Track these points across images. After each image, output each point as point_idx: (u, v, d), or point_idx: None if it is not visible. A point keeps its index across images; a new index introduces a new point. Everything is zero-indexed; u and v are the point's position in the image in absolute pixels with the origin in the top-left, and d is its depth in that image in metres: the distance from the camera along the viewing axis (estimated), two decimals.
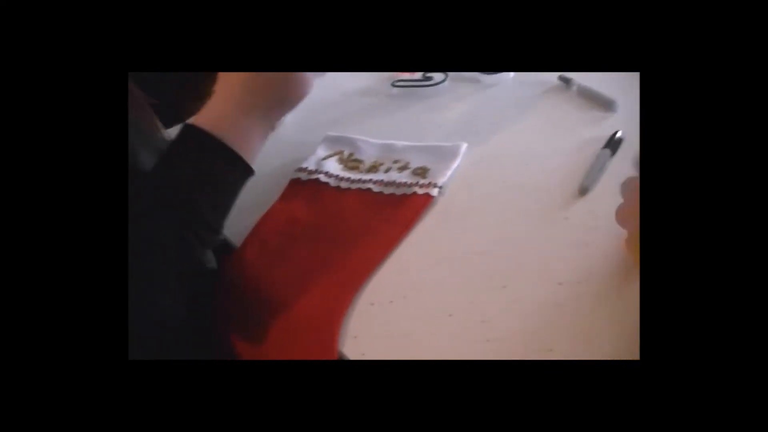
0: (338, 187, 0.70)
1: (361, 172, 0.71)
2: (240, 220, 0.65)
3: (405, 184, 0.67)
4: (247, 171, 0.55)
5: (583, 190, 0.62)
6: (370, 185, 0.69)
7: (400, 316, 0.54)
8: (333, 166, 0.73)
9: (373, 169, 0.71)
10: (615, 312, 0.49)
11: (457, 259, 0.58)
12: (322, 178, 0.71)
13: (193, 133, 0.52)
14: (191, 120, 0.53)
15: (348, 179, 0.70)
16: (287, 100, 0.59)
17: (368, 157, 0.74)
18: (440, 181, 0.66)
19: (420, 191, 0.66)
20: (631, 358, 0.40)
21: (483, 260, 0.57)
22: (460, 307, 0.53)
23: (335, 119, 0.83)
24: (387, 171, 0.70)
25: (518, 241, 0.58)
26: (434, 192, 0.65)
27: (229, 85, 0.54)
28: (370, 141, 0.76)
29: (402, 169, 0.70)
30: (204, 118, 0.53)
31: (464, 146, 0.71)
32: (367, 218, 0.64)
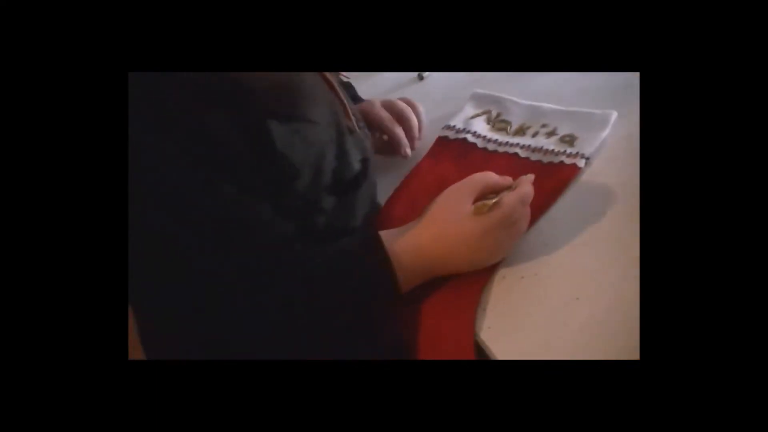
0: (485, 149, 0.68)
1: (509, 134, 0.69)
2: (386, 175, 0.65)
3: (552, 152, 0.65)
4: (392, 298, 0.53)
5: None
6: (517, 149, 0.67)
7: (529, 293, 0.54)
8: (481, 126, 0.71)
9: (520, 132, 0.69)
10: None
11: (595, 240, 0.56)
12: (470, 138, 0.70)
13: (377, 246, 0.52)
14: (384, 233, 0.53)
15: (495, 141, 0.69)
16: (464, 271, 0.57)
17: (516, 118, 0.71)
18: (588, 152, 0.63)
19: (567, 161, 0.63)
20: None
21: (620, 245, 0.54)
22: (589, 291, 0.52)
23: (481, 76, 0.79)
24: (534, 135, 0.68)
25: None
26: (581, 163, 0.62)
27: (430, 235, 0.53)
28: (518, 101, 0.73)
29: (550, 134, 0.67)
30: (398, 242, 0.53)
31: (614, 115, 0.67)
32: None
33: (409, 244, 0.53)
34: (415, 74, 0.87)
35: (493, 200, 0.53)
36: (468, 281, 0.55)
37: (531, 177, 0.56)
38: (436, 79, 0.81)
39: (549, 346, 0.49)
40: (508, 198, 0.53)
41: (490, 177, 0.56)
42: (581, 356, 0.47)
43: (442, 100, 0.76)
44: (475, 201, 0.54)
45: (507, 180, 0.57)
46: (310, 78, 0.57)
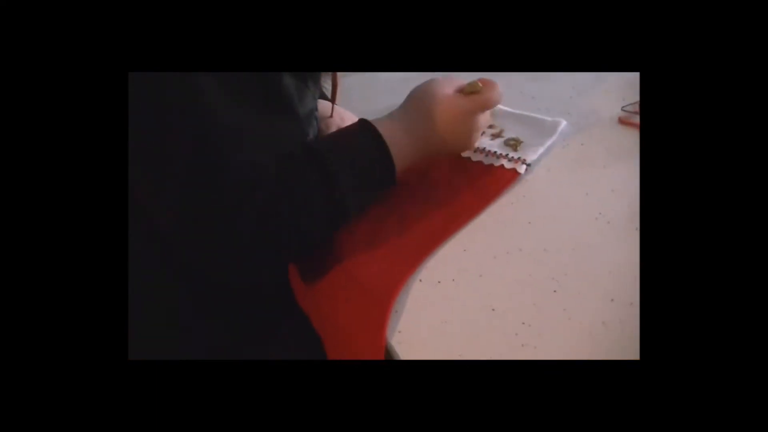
0: None
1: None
2: None
3: (494, 154, 0.64)
4: (391, 182, 0.56)
5: None
6: None
7: (444, 300, 0.52)
8: None
9: None
10: None
11: (517, 251, 0.55)
12: None
13: (371, 132, 0.55)
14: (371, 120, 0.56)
15: None
16: (446, 156, 0.61)
17: None
18: (530, 159, 0.63)
19: (508, 165, 0.63)
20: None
21: (543, 259, 0.54)
22: (505, 304, 0.51)
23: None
24: (481, 135, 0.67)
25: (581, 247, 0.55)
26: (521, 169, 0.62)
27: (413, 116, 0.57)
28: None
29: (495, 136, 0.67)
30: (381, 126, 0.55)
31: (563, 124, 0.67)
32: (452, 182, 0.63)
33: (395, 123, 0.56)
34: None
35: (480, 85, 0.58)
36: (383, 282, 0.54)
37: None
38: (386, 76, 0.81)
39: (461, 357, 0.47)
40: (490, 89, 0.58)
41: (458, 80, 0.60)
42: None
43: (391, 95, 0.72)
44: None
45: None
46: None
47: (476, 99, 0.57)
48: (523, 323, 0.49)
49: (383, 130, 0.54)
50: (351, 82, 0.82)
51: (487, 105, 0.58)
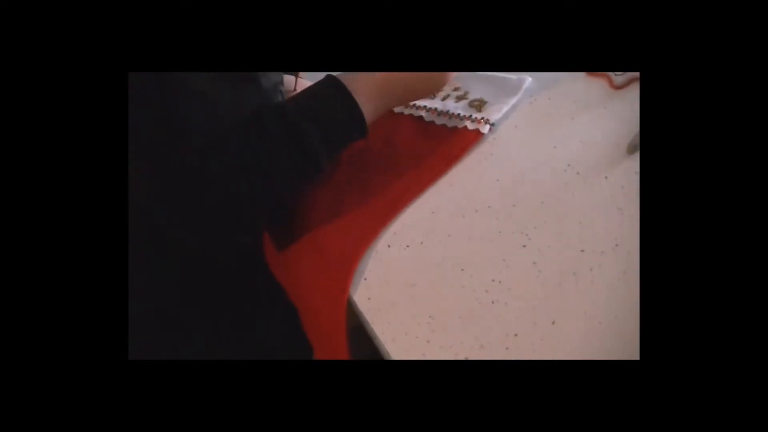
0: (391, 111, 0.68)
1: None
2: None
3: (458, 116, 0.65)
4: (363, 132, 0.56)
5: (632, 149, 0.55)
6: (422, 113, 0.67)
7: (413, 262, 0.53)
8: None
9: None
10: (632, 291, 0.45)
11: (484, 209, 0.55)
12: None
13: (333, 83, 0.55)
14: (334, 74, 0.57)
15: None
16: (420, 93, 0.60)
17: None
18: (494, 118, 0.63)
19: (471, 126, 0.63)
20: (629, 350, 0.39)
21: (511, 214, 0.54)
22: (474, 262, 0.51)
23: None
24: (444, 99, 0.68)
25: (550, 199, 0.54)
26: (485, 129, 0.62)
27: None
28: None
29: (460, 98, 0.68)
30: (345, 77, 0.55)
31: (528, 81, 0.67)
32: (415, 147, 0.63)
33: (358, 73, 0.56)
34: None
35: None
36: (345, 249, 0.54)
37: None
38: None
39: (432, 319, 0.48)
40: None
41: None
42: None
43: None
44: None
45: None
46: None
47: None
48: (493, 280, 0.49)
49: (347, 81, 0.55)
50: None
51: None
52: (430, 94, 0.62)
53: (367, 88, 0.55)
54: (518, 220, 0.53)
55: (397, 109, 0.69)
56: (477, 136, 0.62)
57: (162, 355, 0.59)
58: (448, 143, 0.62)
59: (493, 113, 0.64)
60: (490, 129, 0.63)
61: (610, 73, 0.65)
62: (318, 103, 0.54)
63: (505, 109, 0.65)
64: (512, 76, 0.68)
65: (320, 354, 0.59)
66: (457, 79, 0.71)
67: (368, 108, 0.55)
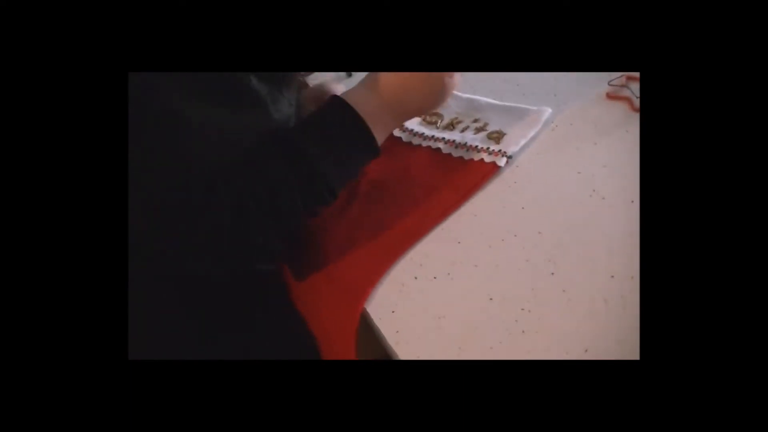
0: (410, 143, 0.68)
1: (437, 128, 0.69)
2: None
3: (475, 149, 0.64)
4: (374, 152, 0.56)
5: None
6: (440, 144, 0.67)
7: (441, 294, 0.52)
8: (412, 120, 0.70)
9: (450, 126, 0.69)
10: None
11: (511, 238, 0.55)
12: (396, 132, 0.69)
13: (339, 103, 0.54)
14: (340, 94, 0.56)
15: (421, 135, 0.69)
16: (427, 106, 0.59)
17: (449, 112, 0.71)
18: (511, 150, 0.63)
19: (487, 159, 0.63)
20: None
21: (538, 242, 0.54)
22: (502, 292, 0.51)
23: None
24: (463, 130, 0.68)
25: (577, 226, 0.54)
26: (501, 162, 0.62)
27: (380, 76, 0.56)
28: (456, 94, 0.73)
29: (479, 130, 0.67)
30: (351, 96, 0.55)
31: (548, 112, 0.67)
32: (429, 179, 0.63)
33: (364, 90, 0.56)
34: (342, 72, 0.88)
35: None
36: (357, 281, 0.54)
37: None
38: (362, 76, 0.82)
39: (461, 350, 0.48)
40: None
41: None
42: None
43: None
44: None
45: None
46: None
47: None
48: (522, 309, 0.49)
49: (353, 99, 0.54)
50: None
51: None
52: (437, 107, 0.61)
53: (374, 107, 0.55)
54: (545, 248, 0.53)
55: (415, 141, 0.69)
56: (493, 168, 0.62)
57: (162, 355, 0.59)
58: (463, 175, 0.62)
59: (511, 146, 0.64)
60: (507, 162, 0.63)
61: (631, 95, 0.65)
62: (326, 126, 0.53)
63: (523, 141, 0.64)
64: (532, 107, 0.68)
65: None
66: (476, 109, 0.71)
67: (378, 128, 0.55)
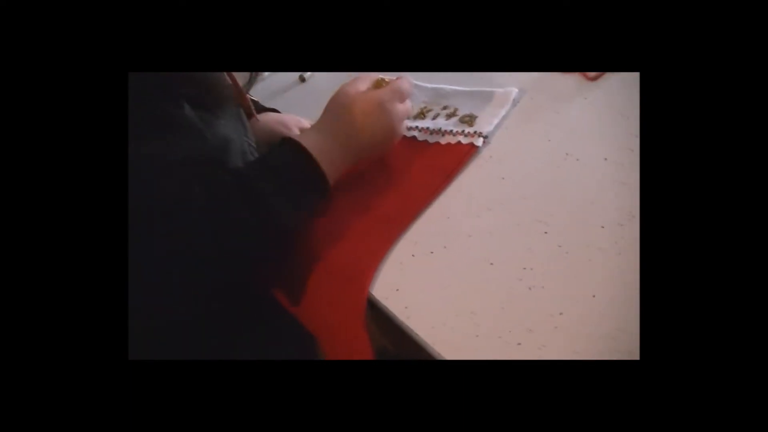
0: None
1: (409, 118, 0.70)
2: None
3: (450, 133, 0.66)
4: (326, 193, 0.57)
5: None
6: (414, 133, 0.68)
7: (441, 266, 0.54)
8: None
9: (421, 115, 0.71)
10: None
11: (497, 206, 0.57)
12: None
13: (293, 145, 0.56)
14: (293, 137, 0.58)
15: None
16: (378, 150, 0.61)
17: (416, 102, 0.72)
18: (486, 130, 0.64)
19: (464, 140, 0.64)
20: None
21: (525, 206, 0.56)
22: (501, 256, 0.53)
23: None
24: (435, 118, 0.69)
25: (559, 187, 0.57)
26: (479, 142, 0.63)
27: (333, 120, 0.58)
28: (420, 84, 0.74)
29: (450, 116, 0.68)
30: (304, 139, 0.57)
31: (515, 92, 0.68)
32: (410, 166, 0.64)
33: (317, 132, 0.58)
34: (296, 77, 0.93)
35: (388, 80, 0.61)
36: (356, 270, 0.55)
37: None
38: (318, 80, 0.86)
39: (474, 314, 0.49)
40: (399, 80, 0.61)
41: (373, 75, 0.62)
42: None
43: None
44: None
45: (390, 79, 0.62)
46: (221, 79, 0.63)
47: (387, 89, 0.59)
48: (524, 268, 0.51)
49: (307, 141, 0.56)
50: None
51: (397, 93, 0.59)
52: (388, 148, 0.62)
53: (326, 149, 0.56)
54: (533, 210, 0.55)
55: None
56: (471, 149, 0.63)
57: (162, 355, 0.59)
58: (444, 159, 0.63)
59: (485, 126, 0.65)
60: (483, 141, 0.64)
61: None
62: (280, 167, 0.54)
63: (496, 121, 0.66)
64: (498, 89, 0.69)
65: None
66: (443, 97, 0.72)
67: (331, 169, 0.56)
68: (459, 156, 0.63)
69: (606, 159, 0.57)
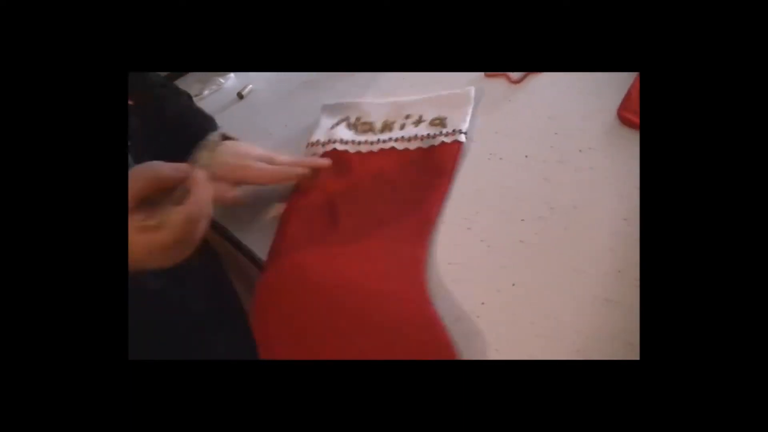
0: (359, 152, 0.67)
1: (377, 133, 0.68)
2: (268, 202, 0.67)
3: (428, 136, 0.65)
4: None
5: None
6: (392, 143, 0.66)
7: (440, 247, 0.57)
8: (345, 133, 0.69)
9: (387, 128, 0.69)
10: (580, 247, 0.52)
11: (503, 199, 0.59)
12: (339, 146, 0.68)
13: None
14: None
15: (366, 142, 0.68)
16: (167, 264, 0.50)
17: (377, 117, 0.71)
18: (463, 127, 0.64)
19: (447, 140, 0.63)
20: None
21: (528, 194, 0.58)
22: (493, 239, 0.56)
23: (305, 81, 0.87)
24: (402, 127, 0.68)
25: (482, 187, 0.61)
26: (462, 138, 0.63)
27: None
28: (374, 102, 0.73)
29: (417, 123, 0.68)
30: None
31: (473, 90, 0.68)
32: (407, 174, 0.63)
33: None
34: (234, 94, 0.92)
35: (153, 223, 0.46)
36: (408, 290, 0.52)
37: (202, 177, 0.49)
38: (256, 96, 0.88)
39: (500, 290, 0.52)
40: (174, 218, 0.46)
41: (159, 170, 0.48)
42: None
43: (290, 125, 0.81)
44: (150, 197, 0.47)
45: (179, 170, 0.49)
46: None
47: (156, 240, 0.46)
48: (521, 242, 0.55)
49: None
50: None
51: (177, 240, 0.47)
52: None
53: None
54: (536, 196, 0.58)
55: (364, 149, 0.67)
56: (458, 145, 0.63)
57: (162, 355, 0.59)
58: (438, 160, 0.63)
59: (459, 123, 0.65)
60: (466, 137, 0.64)
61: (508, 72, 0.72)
62: None
63: (468, 117, 0.65)
64: (456, 90, 0.70)
65: (425, 351, 0.50)
66: (402, 108, 0.71)
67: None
68: (451, 154, 0.62)
69: (527, 157, 0.62)
